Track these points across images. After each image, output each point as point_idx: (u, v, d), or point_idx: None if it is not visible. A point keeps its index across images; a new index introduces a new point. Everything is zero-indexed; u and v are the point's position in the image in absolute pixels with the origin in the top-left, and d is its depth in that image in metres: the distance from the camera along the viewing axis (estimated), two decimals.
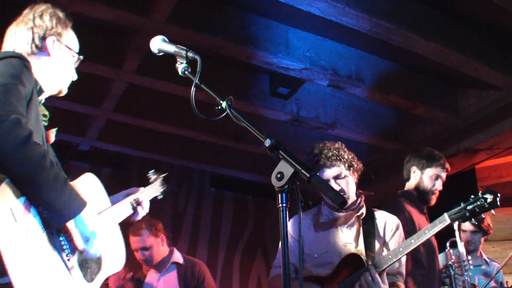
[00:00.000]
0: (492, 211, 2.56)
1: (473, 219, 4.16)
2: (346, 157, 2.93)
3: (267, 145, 1.70)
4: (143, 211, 2.42)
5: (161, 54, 2.11)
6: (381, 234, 2.91)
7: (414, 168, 3.66)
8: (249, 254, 6.80)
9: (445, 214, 2.64)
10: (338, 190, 2.84)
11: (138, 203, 2.40)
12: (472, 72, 4.59)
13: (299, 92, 5.18)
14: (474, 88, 5.20)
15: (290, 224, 3.03)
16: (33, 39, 2.11)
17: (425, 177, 3.62)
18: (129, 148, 6.13)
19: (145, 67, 4.58)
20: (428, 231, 2.66)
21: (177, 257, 4.04)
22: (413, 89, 5.14)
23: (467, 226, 4.32)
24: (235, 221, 6.82)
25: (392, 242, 2.91)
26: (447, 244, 4.24)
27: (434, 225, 2.66)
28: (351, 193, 2.93)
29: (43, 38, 2.12)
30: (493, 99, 5.03)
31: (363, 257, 2.78)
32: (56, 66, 2.16)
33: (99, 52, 4.39)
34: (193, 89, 1.90)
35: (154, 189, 2.62)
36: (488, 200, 2.54)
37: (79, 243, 1.88)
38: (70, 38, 2.24)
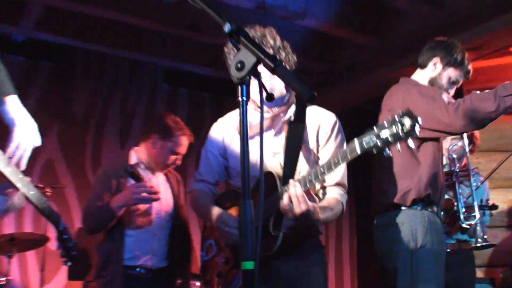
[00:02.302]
0: (410, 142, 2.08)
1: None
2: (272, 43, 2.54)
3: (226, 31, 1.63)
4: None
5: None
6: (313, 140, 2.61)
7: (437, 60, 3.32)
8: None
9: (355, 141, 2.16)
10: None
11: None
12: None
13: None
14: None
15: (212, 134, 2.80)
16: None
17: (445, 75, 3.30)
18: (71, 39, 5.78)
19: None
20: (338, 161, 2.25)
21: None
22: None
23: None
24: (191, 121, 6.47)
25: (328, 149, 2.61)
26: (448, 147, 4.12)
27: (344, 156, 2.22)
28: (276, 87, 2.54)
29: None
30: None
31: (277, 175, 2.46)
32: None
33: None
34: None
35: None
36: (406, 127, 2.04)
37: None
38: None
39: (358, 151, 2.15)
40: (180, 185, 3.83)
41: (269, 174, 2.47)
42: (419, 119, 2.05)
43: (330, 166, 2.27)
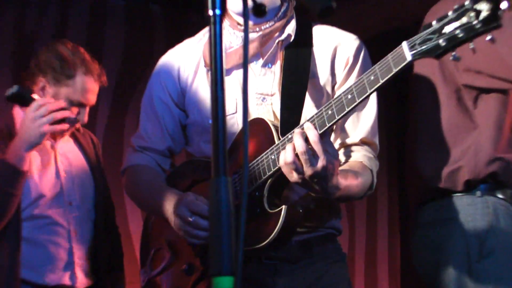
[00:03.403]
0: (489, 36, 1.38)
1: None
2: None
3: None
4: None
5: None
6: (325, 72, 1.83)
7: None
8: None
9: (404, 44, 1.46)
10: None
11: None
12: None
13: None
14: None
15: (161, 73, 1.97)
16: None
17: None
18: None
19: None
20: (371, 81, 1.49)
21: None
22: None
23: None
24: (128, 50, 5.04)
25: (349, 85, 1.65)
26: None
27: (383, 69, 1.47)
28: None
29: None
30: None
31: (272, 124, 1.71)
32: None
33: None
34: None
35: None
36: (482, 15, 1.39)
37: None
38: None
39: (408, 57, 1.42)
40: (98, 149, 2.75)
41: (259, 122, 1.72)
42: (504, 2, 1.34)
43: (351, 94, 1.50)
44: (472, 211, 2.02)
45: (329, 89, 1.83)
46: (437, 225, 2.08)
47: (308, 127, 1.54)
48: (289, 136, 1.59)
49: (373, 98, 1.83)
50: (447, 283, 2.02)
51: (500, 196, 2.05)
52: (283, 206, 1.60)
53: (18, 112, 2.48)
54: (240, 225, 1.03)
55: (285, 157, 1.54)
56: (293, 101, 1.75)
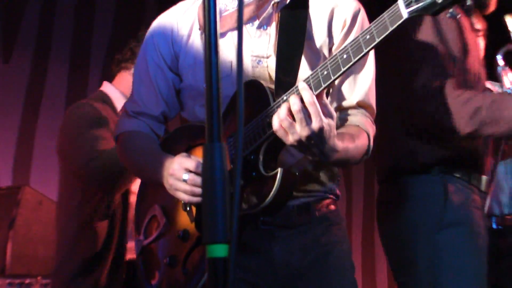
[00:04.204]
0: None
1: None
2: None
3: None
4: None
5: None
6: (322, 34, 1.79)
7: None
8: None
9: (401, 2, 1.40)
10: None
11: None
12: None
13: None
14: None
15: (155, 36, 1.90)
16: None
17: None
18: None
19: None
20: (367, 39, 1.46)
21: None
22: None
23: None
24: (120, 16, 5.00)
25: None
26: (499, 56, 2.82)
27: (379, 28, 1.42)
28: None
29: None
30: None
31: (267, 86, 1.67)
32: None
33: None
34: None
35: None
36: None
37: None
38: None
39: (405, 15, 1.37)
40: None
41: (254, 85, 1.67)
42: None
43: (347, 54, 1.46)
44: (430, 189, 2.16)
45: (326, 51, 1.78)
46: (401, 201, 2.21)
47: (303, 87, 1.50)
48: (284, 98, 1.55)
49: (371, 61, 1.80)
50: (410, 253, 2.16)
51: (456, 174, 2.19)
52: (279, 169, 1.56)
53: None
54: (235, 191, 1.00)
55: (279, 115, 1.50)
56: (289, 63, 1.70)
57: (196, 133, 1.79)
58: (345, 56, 1.47)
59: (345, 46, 1.48)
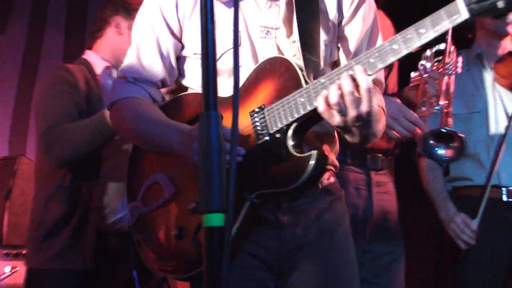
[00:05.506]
0: None
1: None
2: None
3: None
4: None
5: None
6: (332, 8, 1.78)
7: None
8: None
9: (460, 1, 1.38)
10: None
11: None
12: None
13: None
14: None
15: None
16: None
17: None
18: None
19: None
20: (426, 30, 1.44)
21: None
22: None
23: None
24: None
25: (354, 29, 1.81)
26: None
27: (435, 20, 1.41)
28: None
29: None
30: None
31: (295, 62, 1.63)
32: None
33: None
34: None
35: None
36: None
37: None
38: None
39: (465, 14, 1.35)
40: None
41: (282, 62, 1.64)
42: None
43: (398, 45, 1.43)
44: None
45: (335, 26, 1.78)
46: None
47: (359, 70, 1.47)
48: (321, 81, 1.53)
49: (380, 41, 1.80)
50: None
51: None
52: (315, 151, 1.55)
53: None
54: (232, 161, 1.00)
55: (330, 99, 1.47)
56: (311, 39, 1.68)
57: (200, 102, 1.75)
58: (395, 46, 1.45)
59: (395, 37, 1.45)
